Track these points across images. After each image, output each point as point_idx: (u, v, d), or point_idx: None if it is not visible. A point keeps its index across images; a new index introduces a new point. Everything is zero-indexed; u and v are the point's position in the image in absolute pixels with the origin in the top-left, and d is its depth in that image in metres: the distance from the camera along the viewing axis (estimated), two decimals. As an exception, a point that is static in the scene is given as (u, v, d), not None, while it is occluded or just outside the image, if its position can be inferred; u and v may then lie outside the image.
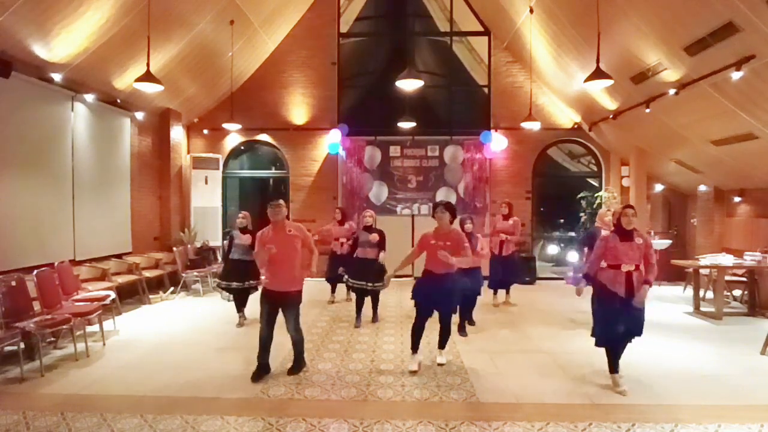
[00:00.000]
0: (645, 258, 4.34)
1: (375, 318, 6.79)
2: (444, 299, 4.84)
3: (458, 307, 5.44)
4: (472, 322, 6.50)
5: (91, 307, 5.60)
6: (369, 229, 6.62)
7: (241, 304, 6.68)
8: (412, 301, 4.96)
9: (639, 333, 4.40)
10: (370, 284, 6.43)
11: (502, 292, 7.97)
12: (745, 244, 8.42)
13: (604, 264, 4.42)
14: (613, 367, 4.44)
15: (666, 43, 6.27)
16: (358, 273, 6.53)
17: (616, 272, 4.33)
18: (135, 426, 3.64)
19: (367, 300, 6.71)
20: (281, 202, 4.75)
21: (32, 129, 6.47)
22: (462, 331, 6.18)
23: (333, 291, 8.11)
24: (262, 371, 4.66)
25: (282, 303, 4.69)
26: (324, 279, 7.96)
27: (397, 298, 8.34)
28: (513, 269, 7.91)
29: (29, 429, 3.60)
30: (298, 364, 4.83)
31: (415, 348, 4.91)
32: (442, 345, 5.06)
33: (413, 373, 4.76)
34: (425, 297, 4.86)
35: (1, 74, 5.70)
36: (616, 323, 4.28)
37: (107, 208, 8.12)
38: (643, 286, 4.28)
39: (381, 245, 6.51)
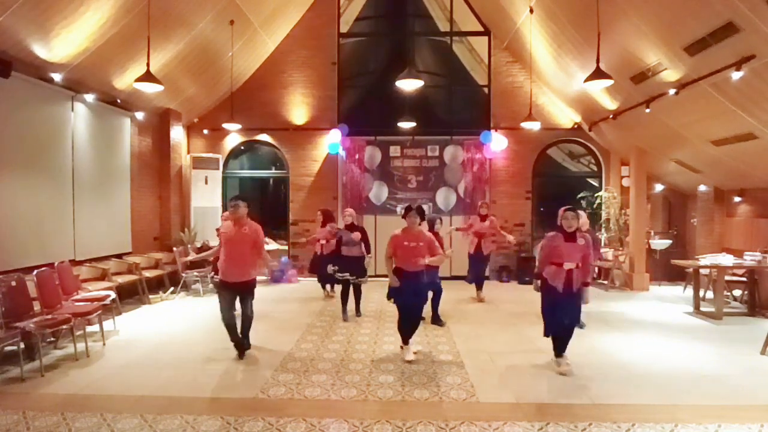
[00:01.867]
0: (583, 258, 4.72)
1: (358, 312, 7.10)
2: (420, 295, 5.34)
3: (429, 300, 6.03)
4: (441, 323, 6.65)
5: (91, 307, 5.60)
6: (351, 227, 6.96)
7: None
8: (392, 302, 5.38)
9: (577, 322, 4.95)
10: (353, 277, 6.86)
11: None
12: (745, 244, 8.43)
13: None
14: (558, 352, 4.86)
15: (666, 43, 6.27)
16: (344, 268, 6.92)
17: (558, 269, 4.70)
18: (135, 426, 3.64)
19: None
20: (240, 202, 5.18)
21: (32, 129, 6.46)
22: (438, 321, 6.63)
23: (324, 287, 8.45)
24: (242, 347, 5.27)
25: (240, 291, 5.20)
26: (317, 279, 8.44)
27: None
28: (485, 268, 8.40)
29: (29, 429, 3.59)
30: (247, 342, 5.37)
31: (406, 341, 5.25)
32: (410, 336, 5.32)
33: (411, 362, 5.04)
34: (406, 295, 5.19)
35: (1, 74, 5.70)
36: (559, 316, 4.72)
37: (107, 208, 8.12)
38: (583, 288, 4.77)
39: (364, 243, 6.90)
